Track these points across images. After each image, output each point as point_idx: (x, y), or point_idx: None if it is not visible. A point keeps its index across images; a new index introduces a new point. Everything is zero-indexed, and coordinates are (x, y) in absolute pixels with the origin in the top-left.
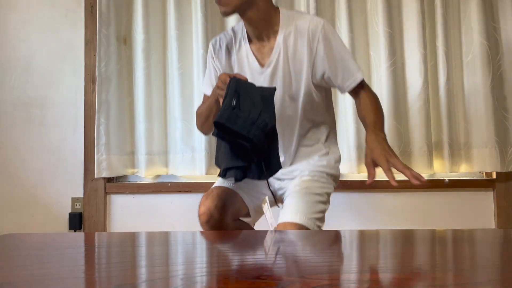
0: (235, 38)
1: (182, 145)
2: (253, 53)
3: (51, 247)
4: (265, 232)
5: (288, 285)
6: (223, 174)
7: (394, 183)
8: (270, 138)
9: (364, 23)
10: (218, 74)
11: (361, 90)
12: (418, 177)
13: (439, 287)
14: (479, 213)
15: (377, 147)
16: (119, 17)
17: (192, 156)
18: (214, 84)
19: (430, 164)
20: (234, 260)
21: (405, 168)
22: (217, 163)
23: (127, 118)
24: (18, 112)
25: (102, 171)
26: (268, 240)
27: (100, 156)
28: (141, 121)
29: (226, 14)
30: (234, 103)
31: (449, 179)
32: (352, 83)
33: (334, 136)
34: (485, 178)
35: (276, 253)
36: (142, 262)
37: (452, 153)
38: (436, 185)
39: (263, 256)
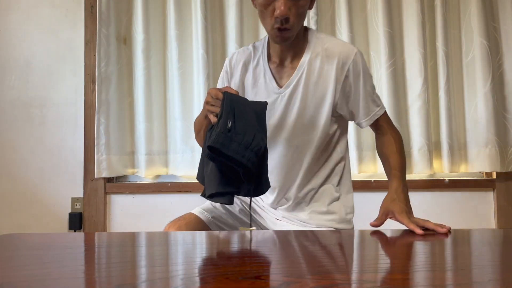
0: (255, 54)
1: (182, 145)
2: (271, 71)
3: (51, 247)
4: (265, 232)
5: (288, 285)
6: (207, 196)
7: (420, 232)
8: (261, 159)
9: (364, 23)
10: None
11: (384, 125)
12: (442, 226)
13: (439, 287)
14: (479, 213)
15: (399, 203)
16: (119, 17)
17: (192, 156)
18: None
19: (430, 164)
20: (234, 260)
21: (426, 222)
22: (201, 181)
23: (127, 118)
24: (18, 112)
25: (102, 171)
26: (268, 240)
27: (100, 156)
28: (141, 121)
29: (288, 40)
30: (230, 125)
31: (449, 179)
32: (377, 114)
33: (348, 178)
34: (485, 178)
35: (276, 253)
36: (142, 262)
37: (452, 153)
38: (436, 185)
39: (263, 256)
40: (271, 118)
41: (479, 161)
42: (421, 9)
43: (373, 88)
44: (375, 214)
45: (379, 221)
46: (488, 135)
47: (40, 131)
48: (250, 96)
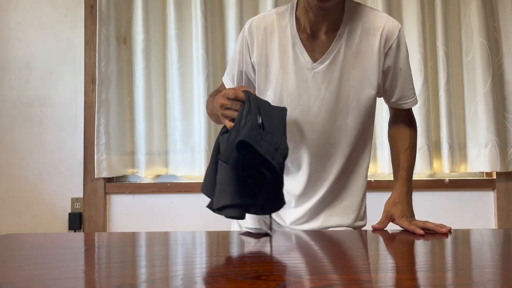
0: (279, 22)
1: (182, 145)
2: (302, 43)
3: (51, 247)
4: (265, 232)
5: (288, 285)
6: (217, 209)
7: (420, 232)
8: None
9: None
10: (247, 64)
11: (407, 115)
12: (442, 226)
13: (439, 287)
14: (479, 213)
15: (400, 206)
16: (119, 17)
17: (192, 156)
18: (236, 74)
19: (430, 164)
20: (234, 260)
21: (426, 223)
22: (207, 193)
23: (127, 118)
24: (18, 112)
25: (102, 171)
26: (268, 241)
27: (100, 156)
28: (141, 121)
29: (328, 10)
30: (260, 121)
31: (449, 179)
32: (407, 105)
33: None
34: (485, 178)
35: (276, 253)
36: (142, 262)
37: (452, 153)
38: (436, 185)
39: (263, 256)
40: (301, 100)
41: (479, 161)
42: (421, 8)
43: (410, 70)
44: (375, 214)
45: (382, 225)
46: (488, 135)
47: (40, 131)
48: (276, 73)
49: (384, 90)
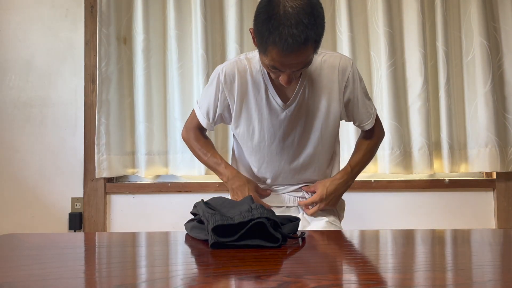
0: (251, 68)
1: (182, 145)
2: (274, 87)
3: (51, 247)
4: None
5: (288, 285)
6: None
7: (306, 211)
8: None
9: (364, 23)
10: (223, 107)
11: (368, 130)
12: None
13: (439, 287)
14: (479, 213)
15: (325, 187)
16: (119, 17)
17: (192, 156)
18: (211, 115)
19: (430, 164)
20: (234, 260)
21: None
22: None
23: (127, 118)
24: (18, 112)
25: (102, 171)
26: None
27: (100, 156)
28: (141, 121)
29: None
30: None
31: (449, 179)
32: (371, 123)
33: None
34: (485, 178)
35: (276, 253)
36: (142, 262)
37: (452, 153)
38: (436, 185)
39: (263, 256)
40: (278, 133)
41: (479, 161)
42: (421, 9)
43: (367, 90)
44: (375, 214)
45: (309, 189)
46: (488, 135)
47: (40, 131)
48: (252, 114)
49: (347, 117)
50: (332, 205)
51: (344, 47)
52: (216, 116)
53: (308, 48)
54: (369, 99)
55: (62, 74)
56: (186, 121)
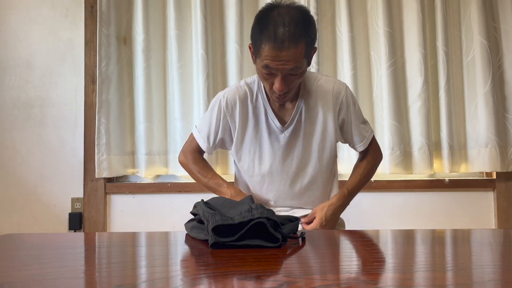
0: (251, 93)
1: (182, 145)
2: (273, 111)
3: (51, 247)
4: None
5: (288, 285)
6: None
7: (305, 226)
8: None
9: (364, 23)
10: (225, 131)
11: (370, 147)
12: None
13: (439, 287)
14: (479, 213)
15: (323, 213)
16: (119, 17)
17: None
18: (212, 139)
19: (430, 164)
20: (234, 260)
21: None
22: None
23: (127, 118)
24: (18, 112)
25: (102, 171)
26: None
27: (100, 156)
28: (141, 121)
29: (286, 101)
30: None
31: (449, 179)
32: (364, 145)
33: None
34: (485, 178)
35: (276, 253)
36: (142, 262)
37: (452, 153)
38: (436, 185)
39: (263, 256)
40: (278, 154)
41: (479, 161)
42: (421, 9)
43: (362, 116)
44: (375, 213)
45: (307, 219)
46: (488, 135)
47: (40, 131)
48: (253, 136)
49: (342, 138)
50: (331, 227)
51: (344, 47)
52: (217, 140)
53: (299, 47)
54: (365, 122)
55: (62, 74)
56: (184, 145)
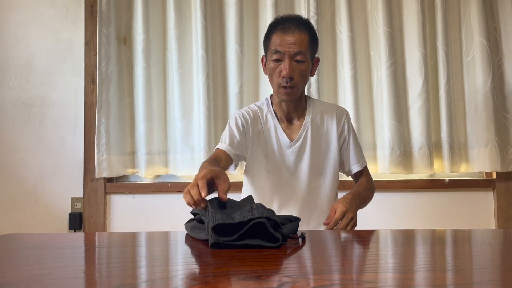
0: (261, 112)
1: (182, 145)
2: (282, 128)
3: (51, 247)
4: None
5: (288, 285)
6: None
7: (326, 222)
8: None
9: (364, 23)
10: (243, 136)
11: (362, 175)
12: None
13: (439, 287)
14: (479, 213)
15: (342, 201)
16: (119, 17)
17: (192, 156)
18: (235, 139)
19: (430, 164)
20: (234, 260)
21: (341, 224)
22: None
23: (127, 118)
24: (18, 112)
25: (102, 171)
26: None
27: (100, 156)
28: (141, 121)
29: (292, 97)
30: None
31: (449, 179)
32: (360, 166)
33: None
34: (485, 178)
35: (276, 253)
36: (142, 262)
37: (452, 153)
38: (436, 185)
39: (263, 256)
40: (284, 168)
41: (479, 161)
42: (421, 9)
43: (358, 140)
44: (375, 214)
45: (328, 220)
46: (488, 135)
47: (40, 131)
48: (262, 148)
49: (340, 159)
50: (354, 211)
51: (344, 47)
52: (237, 143)
53: (303, 34)
54: (361, 149)
55: (62, 74)
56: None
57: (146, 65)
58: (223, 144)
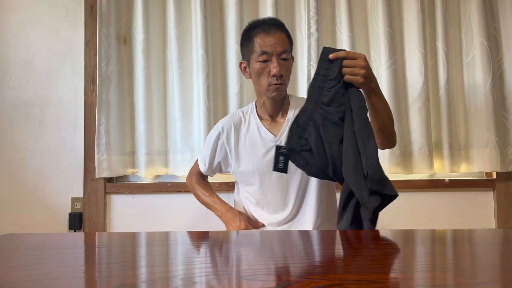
0: (245, 117)
1: (182, 145)
2: (265, 126)
3: (51, 247)
4: (265, 232)
5: (288, 285)
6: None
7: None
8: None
9: (364, 23)
10: (222, 156)
11: None
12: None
13: (439, 287)
14: (479, 213)
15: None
16: (119, 17)
17: (192, 156)
18: (208, 163)
19: (430, 164)
20: (234, 260)
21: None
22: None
23: (127, 118)
24: (18, 112)
25: (102, 171)
26: (268, 240)
27: (100, 156)
28: (141, 121)
29: (282, 94)
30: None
31: (449, 179)
32: None
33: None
34: (485, 178)
35: (276, 253)
36: (142, 262)
37: (452, 153)
38: (436, 185)
39: (263, 256)
40: (270, 163)
41: (479, 161)
42: (421, 8)
43: None
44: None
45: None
46: (488, 135)
47: (40, 131)
48: (248, 150)
49: None
50: (368, 76)
51: (344, 47)
52: (215, 164)
53: (283, 34)
54: None
55: (62, 74)
56: (191, 168)
57: (146, 65)
58: (203, 167)
